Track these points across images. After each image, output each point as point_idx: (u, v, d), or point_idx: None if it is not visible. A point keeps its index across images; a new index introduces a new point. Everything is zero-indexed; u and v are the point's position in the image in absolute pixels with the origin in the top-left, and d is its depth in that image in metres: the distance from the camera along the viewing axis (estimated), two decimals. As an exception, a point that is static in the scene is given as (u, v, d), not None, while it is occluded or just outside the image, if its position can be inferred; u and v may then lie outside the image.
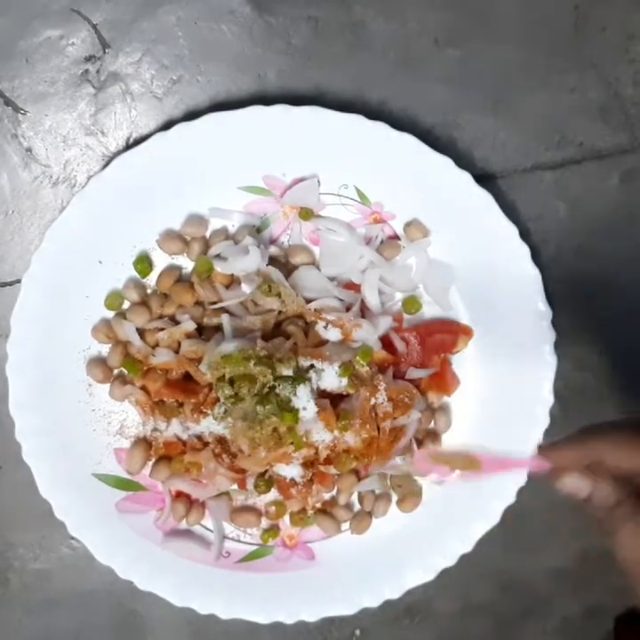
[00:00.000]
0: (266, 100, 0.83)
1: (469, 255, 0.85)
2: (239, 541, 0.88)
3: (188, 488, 0.85)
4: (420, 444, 0.86)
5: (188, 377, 0.83)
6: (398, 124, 0.83)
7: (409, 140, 0.81)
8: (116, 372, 0.85)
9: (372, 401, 0.81)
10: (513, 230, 0.83)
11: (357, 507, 0.88)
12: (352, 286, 0.85)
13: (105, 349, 0.85)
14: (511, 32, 0.87)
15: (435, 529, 0.87)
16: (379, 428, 0.82)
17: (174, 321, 0.84)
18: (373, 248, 0.85)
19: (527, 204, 0.89)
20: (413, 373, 0.85)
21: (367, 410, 0.81)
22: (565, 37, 0.87)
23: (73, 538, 0.85)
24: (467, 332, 0.86)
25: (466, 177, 0.82)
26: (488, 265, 0.85)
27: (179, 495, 0.86)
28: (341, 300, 0.84)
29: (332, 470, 0.83)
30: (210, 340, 0.81)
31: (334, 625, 0.95)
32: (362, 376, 0.81)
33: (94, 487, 0.85)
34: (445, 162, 0.82)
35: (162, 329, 0.82)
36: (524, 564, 0.95)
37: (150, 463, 0.86)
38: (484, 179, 0.87)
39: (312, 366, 0.80)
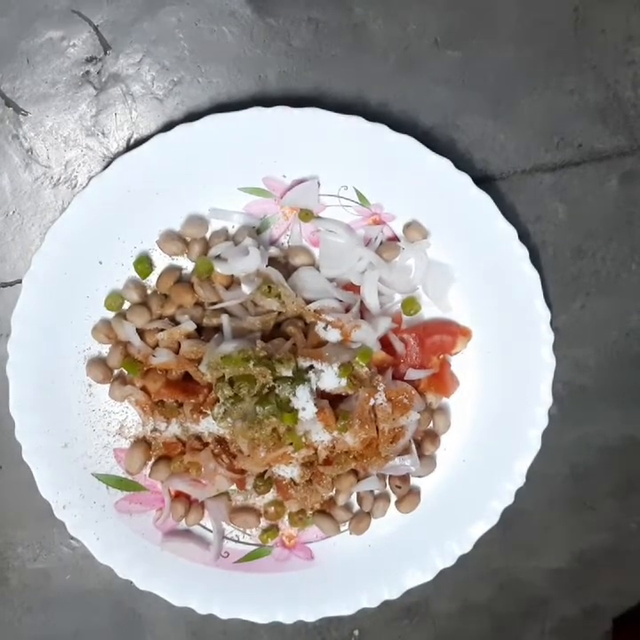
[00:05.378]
0: (266, 101, 0.83)
1: (468, 257, 0.85)
2: (238, 541, 0.89)
3: (187, 488, 0.85)
4: (418, 444, 0.87)
5: (187, 377, 0.83)
6: (398, 125, 0.83)
7: (408, 142, 0.82)
8: (115, 372, 0.85)
9: (371, 402, 0.82)
10: (512, 232, 0.83)
11: (356, 507, 0.88)
12: (351, 287, 0.85)
13: (105, 350, 0.85)
14: (511, 34, 0.87)
15: (433, 530, 0.88)
16: (378, 429, 0.82)
17: (174, 321, 0.84)
18: (373, 249, 0.85)
19: (526, 206, 0.89)
20: (412, 374, 0.85)
21: (366, 410, 0.81)
22: (565, 39, 0.88)
23: (72, 537, 0.86)
24: (466, 333, 0.86)
25: (465, 179, 0.82)
26: (487, 266, 0.85)
27: (178, 495, 0.87)
28: (341, 300, 0.84)
29: (331, 471, 0.83)
30: (210, 341, 0.81)
31: (333, 625, 0.95)
32: (361, 377, 0.81)
33: (94, 487, 0.86)
34: (445, 163, 0.82)
35: (162, 329, 0.83)
36: (522, 565, 0.96)
37: (150, 463, 0.86)
38: (484, 180, 0.88)
39: (311, 367, 0.80)
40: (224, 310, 0.83)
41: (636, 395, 0.94)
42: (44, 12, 0.84)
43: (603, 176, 0.90)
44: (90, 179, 0.83)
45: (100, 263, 0.84)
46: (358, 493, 0.88)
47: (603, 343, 0.92)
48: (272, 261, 0.83)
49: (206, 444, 0.83)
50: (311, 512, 0.87)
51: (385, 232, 0.86)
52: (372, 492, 0.88)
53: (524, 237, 0.85)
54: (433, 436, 0.87)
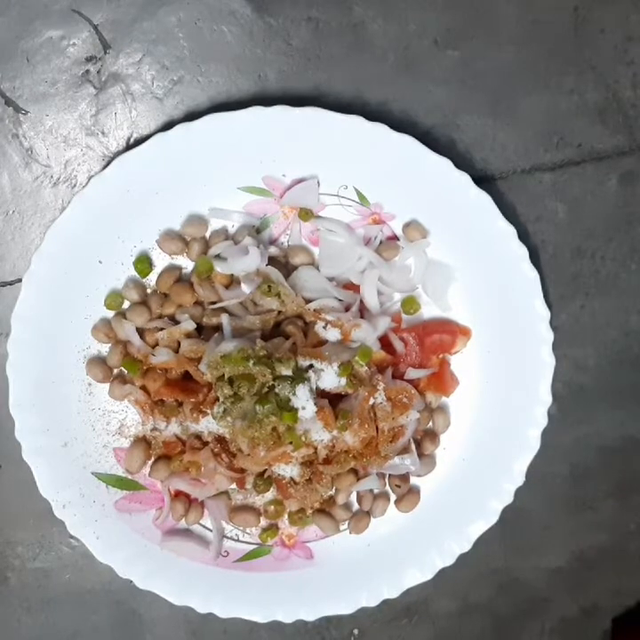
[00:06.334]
0: (266, 100, 0.83)
1: (468, 256, 0.85)
2: (238, 540, 0.89)
3: (187, 487, 0.85)
4: (418, 443, 0.87)
5: (187, 376, 0.83)
6: (398, 125, 0.83)
7: (408, 142, 0.82)
8: (115, 371, 0.85)
9: (371, 401, 0.82)
10: (512, 231, 0.83)
11: (356, 506, 0.88)
12: (351, 286, 0.85)
13: (105, 349, 0.85)
14: (511, 34, 0.87)
15: (433, 529, 0.88)
16: (377, 428, 0.82)
17: (174, 321, 0.84)
18: (372, 248, 0.85)
19: (526, 206, 0.89)
20: (412, 373, 0.85)
21: (366, 410, 0.81)
22: (565, 39, 0.88)
23: (72, 537, 0.86)
24: (465, 332, 0.86)
25: (465, 178, 0.82)
26: (487, 266, 0.85)
27: (178, 494, 0.87)
28: (340, 300, 0.84)
29: (331, 470, 0.83)
30: (209, 340, 0.81)
31: (332, 624, 0.95)
32: (361, 376, 0.81)
33: (94, 486, 0.86)
34: (445, 163, 0.82)
35: (161, 329, 0.83)
36: (522, 565, 0.96)
37: (149, 462, 0.86)
38: (484, 180, 0.88)
39: (311, 366, 0.80)
40: (224, 309, 0.83)
41: (635, 395, 0.94)
42: (44, 11, 0.84)
43: (602, 176, 0.90)
44: (89, 178, 0.83)
45: (100, 262, 0.84)
46: (358, 492, 0.88)
47: (602, 343, 0.92)
48: (272, 261, 0.83)
49: (206, 444, 0.83)
50: (311, 511, 0.87)
51: (385, 231, 0.86)
52: (371, 491, 0.88)
53: (523, 237, 0.85)
54: (432, 436, 0.87)
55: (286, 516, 0.87)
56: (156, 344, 0.83)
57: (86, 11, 0.84)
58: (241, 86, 0.86)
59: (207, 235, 0.85)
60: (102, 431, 0.86)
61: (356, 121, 0.81)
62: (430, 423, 0.87)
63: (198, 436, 0.84)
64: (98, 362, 0.85)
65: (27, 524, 0.91)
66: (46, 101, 0.85)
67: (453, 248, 0.85)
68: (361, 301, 0.85)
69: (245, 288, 0.82)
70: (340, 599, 0.87)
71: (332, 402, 0.81)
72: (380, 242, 0.86)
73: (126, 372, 0.84)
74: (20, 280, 0.85)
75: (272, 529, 0.88)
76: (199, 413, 0.81)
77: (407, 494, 0.87)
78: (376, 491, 0.88)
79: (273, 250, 0.84)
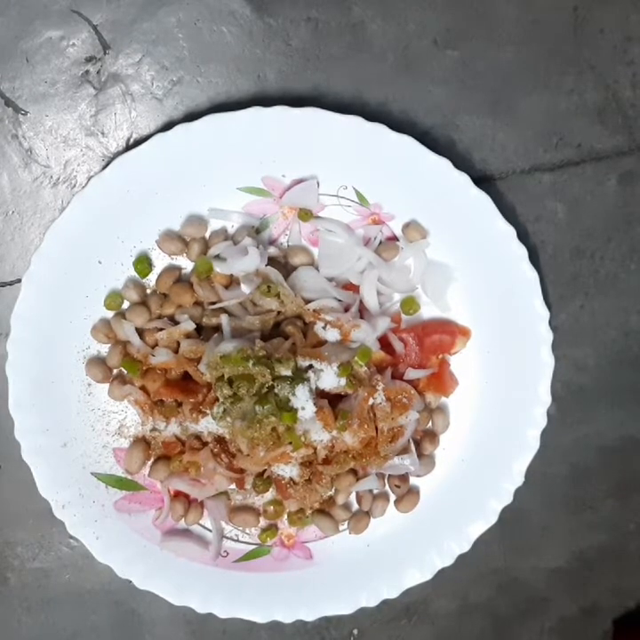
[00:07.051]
0: (265, 101, 0.83)
1: (468, 256, 0.85)
2: (237, 541, 0.89)
3: (186, 488, 0.85)
4: (417, 444, 0.87)
5: (187, 377, 0.83)
6: (397, 125, 0.83)
7: (408, 142, 0.82)
8: (115, 371, 0.85)
9: (371, 401, 0.82)
10: (511, 232, 0.83)
11: (355, 507, 0.88)
12: (351, 287, 0.85)
13: (104, 349, 0.85)
14: (510, 34, 0.87)
15: (432, 529, 0.88)
16: (377, 428, 0.82)
17: (173, 321, 0.84)
18: (372, 249, 0.85)
19: (525, 206, 0.89)
20: (412, 374, 0.85)
21: (365, 410, 0.81)
22: (564, 39, 0.88)
23: (72, 537, 0.86)
24: (465, 332, 0.86)
25: (464, 178, 0.82)
26: (486, 266, 0.85)
27: (177, 495, 0.87)
28: (340, 300, 0.84)
29: (331, 470, 0.83)
30: (209, 340, 0.81)
31: (332, 624, 0.95)
32: (360, 376, 0.81)
33: (93, 486, 0.86)
34: (444, 163, 0.82)
35: (161, 329, 0.83)
36: (521, 565, 0.96)
37: (149, 463, 0.86)
38: (483, 180, 0.88)
39: (311, 366, 0.80)
40: (223, 310, 0.83)
41: (635, 395, 0.94)
42: (44, 11, 0.84)
43: (602, 176, 0.90)
44: (89, 178, 0.83)
45: (100, 263, 0.84)
46: (357, 493, 0.88)
47: (602, 343, 0.92)
48: (271, 261, 0.83)
49: (205, 444, 0.83)
50: (310, 511, 0.87)
51: (384, 232, 0.86)
52: (371, 491, 0.88)
53: (523, 237, 0.85)
54: (432, 436, 0.87)
55: (286, 516, 0.87)
56: (156, 344, 0.83)
57: (86, 11, 0.84)
58: (240, 86, 0.86)
59: (207, 235, 0.85)
60: (102, 431, 0.86)
61: (356, 121, 0.81)
62: (430, 423, 0.87)
63: (198, 437, 0.84)
64: (97, 362, 0.85)
65: (26, 524, 0.91)
66: (46, 102, 0.85)
67: (453, 248, 0.85)
68: (360, 302, 0.85)
69: (245, 288, 0.82)
70: (340, 599, 0.87)
71: (331, 402, 0.81)
72: (380, 242, 0.86)
73: (126, 372, 0.84)
74: (19, 280, 0.85)
75: (271, 529, 0.88)
76: (199, 414, 0.81)
77: (407, 494, 0.87)
78: (375, 491, 0.88)
79: (272, 250, 0.84)
